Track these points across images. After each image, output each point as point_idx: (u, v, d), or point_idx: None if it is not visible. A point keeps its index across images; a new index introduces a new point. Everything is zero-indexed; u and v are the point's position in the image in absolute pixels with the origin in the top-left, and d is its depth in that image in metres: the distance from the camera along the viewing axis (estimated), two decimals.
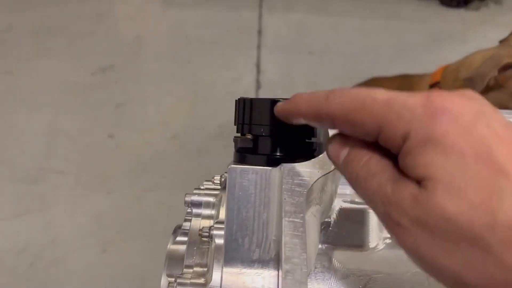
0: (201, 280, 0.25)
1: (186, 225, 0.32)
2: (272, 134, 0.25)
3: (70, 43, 1.77)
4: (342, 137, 0.24)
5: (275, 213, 0.24)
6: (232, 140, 0.31)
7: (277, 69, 1.76)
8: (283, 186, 0.23)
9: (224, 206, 0.28)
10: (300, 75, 1.76)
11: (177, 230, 0.32)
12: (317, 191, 0.24)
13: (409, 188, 0.21)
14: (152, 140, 1.52)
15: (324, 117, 0.23)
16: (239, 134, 0.28)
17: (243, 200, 0.24)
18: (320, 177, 0.24)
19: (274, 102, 0.25)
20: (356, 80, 1.41)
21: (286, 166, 0.24)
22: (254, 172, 0.24)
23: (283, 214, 0.22)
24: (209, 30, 1.85)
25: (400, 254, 0.31)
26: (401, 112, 0.22)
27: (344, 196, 0.31)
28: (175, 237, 0.31)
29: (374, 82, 1.31)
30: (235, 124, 0.29)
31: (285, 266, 0.20)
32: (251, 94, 1.67)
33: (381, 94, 0.22)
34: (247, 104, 0.26)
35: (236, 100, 0.29)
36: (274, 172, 0.24)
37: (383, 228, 0.31)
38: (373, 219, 0.30)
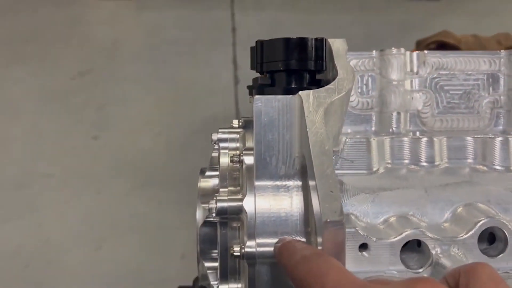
0: (238, 196, 0.30)
1: (213, 162, 0.36)
2: (286, 69, 0.30)
3: (46, 50, 1.77)
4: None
5: (296, 134, 0.29)
6: (246, 87, 0.35)
7: None
8: (306, 109, 0.28)
9: (248, 140, 0.32)
10: None
11: (204, 170, 0.36)
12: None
13: None
14: (137, 139, 1.54)
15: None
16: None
17: (269, 125, 0.29)
18: (335, 99, 0.28)
19: (287, 40, 0.30)
20: None
21: (303, 92, 0.29)
22: (276, 100, 0.29)
23: (308, 132, 0.27)
24: (184, 30, 1.88)
25: (397, 174, 0.36)
26: None
27: (347, 134, 0.36)
28: (204, 175, 0.35)
29: None
30: (251, 69, 0.33)
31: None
32: (230, 89, 1.72)
33: (331, 275, 0.23)
34: (265, 44, 0.31)
35: (252, 47, 0.33)
36: (294, 99, 0.29)
37: (383, 154, 0.36)
38: (374, 148, 0.35)
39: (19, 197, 1.37)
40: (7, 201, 1.36)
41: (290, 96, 0.29)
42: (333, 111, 0.29)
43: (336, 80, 0.30)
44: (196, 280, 0.48)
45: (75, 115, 1.58)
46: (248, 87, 0.37)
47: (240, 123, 0.35)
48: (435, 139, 0.36)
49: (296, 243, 0.26)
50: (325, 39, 0.32)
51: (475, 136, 0.36)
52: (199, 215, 0.33)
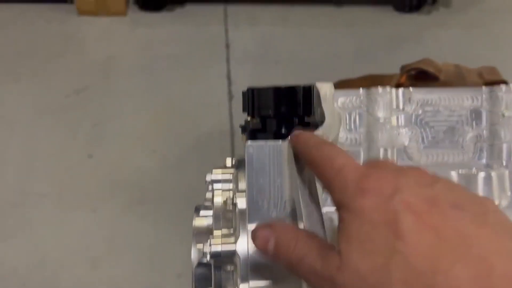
0: (231, 239, 0.31)
1: (207, 202, 0.37)
2: (276, 115, 0.31)
3: (40, 67, 1.78)
4: (266, 227, 0.27)
5: (286, 178, 0.30)
6: (239, 126, 0.36)
7: (247, 79, 1.83)
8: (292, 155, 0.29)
9: (241, 180, 0.33)
10: (270, 83, 1.83)
11: (198, 208, 0.37)
12: None
13: (334, 260, 0.25)
14: (132, 156, 1.55)
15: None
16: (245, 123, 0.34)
17: (260, 170, 0.30)
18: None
19: (277, 89, 0.31)
20: None
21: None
22: (267, 146, 0.30)
23: (296, 178, 0.28)
24: (178, 46, 1.90)
25: None
26: (342, 184, 0.27)
27: None
28: (198, 214, 0.37)
29: (341, 84, 1.40)
30: (243, 111, 0.35)
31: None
32: (225, 105, 1.73)
33: (339, 159, 0.28)
34: (255, 93, 0.32)
35: (243, 92, 0.35)
36: (284, 145, 0.30)
37: None
38: None
39: (13, 216, 1.37)
40: (1, 220, 1.36)
41: (280, 142, 0.31)
42: None
43: (323, 126, 0.31)
44: None
45: (69, 133, 1.59)
46: (241, 126, 0.38)
47: (233, 163, 0.37)
48: None
49: (310, 134, 0.30)
50: (313, 86, 0.33)
51: (460, 171, 0.37)
52: (194, 256, 0.34)
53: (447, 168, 0.39)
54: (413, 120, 0.40)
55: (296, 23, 2.06)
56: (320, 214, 0.27)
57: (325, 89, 0.34)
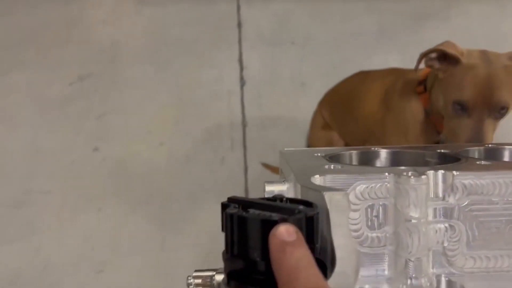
0: None
1: None
2: (266, 258, 0.22)
3: (44, 54, 1.70)
4: None
5: None
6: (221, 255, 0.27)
7: (260, 63, 1.72)
8: None
9: None
10: (284, 68, 1.71)
11: None
12: None
13: None
14: (139, 150, 1.48)
15: None
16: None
17: None
18: None
19: (264, 222, 0.22)
20: (341, 68, 1.38)
21: None
22: None
23: None
24: (187, 27, 1.78)
25: None
26: None
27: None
28: None
29: (361, 76, 1.28)
30: (222, 230, 0.25)
31: None
32: (236, 92, 1.63)
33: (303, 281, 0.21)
34: (235, 222, 0.23)
35: (222, 203, 0.25)
36: None
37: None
38: None
39: (17, 217, 1.32)
40: (5, 222, 1.32)
41: None
42: None
43: (334, 275, 0.22)
44: None
45: (74, 124, 1.51)
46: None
47: None
48: None
49: (286, 232, 0.22)
50: (317, 214, 0.23)
51: None
52: None
53: (502, 276, 0.29)
54: (455, 214, 0.30)
55: None
56: None
57: (336, 200, 0.24)
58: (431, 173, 0.30)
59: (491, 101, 0.85)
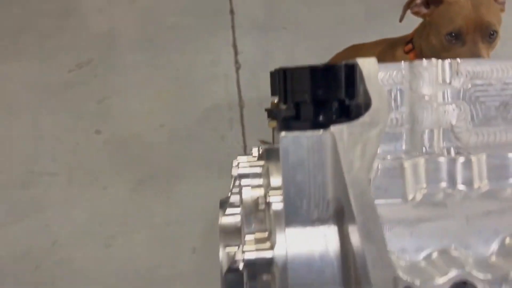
0: (266, 245, 0.27)
1: (234, 198, 0.33)
2: (314, 100, 0.27)
3: (41, 43, 1.72)
4: None
5: (329, 174, 0.26)
6: (265, 110, 0.32)
7: (254, 47, 1.76)
8: (340, 148, 0.25)
9: (273, 174, 0.29)
10: (278, 51, 1.76)
11: (224, 204, 0.34)
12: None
13: None
14: (140, 131, 1.51)
15: None
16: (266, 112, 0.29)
17: (298, 165, 0.26)
18: (371, 134, 0.25)
19: (313, 69, 0.26)
20: (333, 50, 1.43)
21: (335, 128, 0.26)
22: (305, 137, 0.26)
23: (345, 176, 0.24)
24: (181, 14, 1.82)
25: (435, 201, 0.33)
26: None
27: (379, 155, 0.33)
28: (224, 211, 0.33)
29: (354, 49, 1.34)
30: (272, 95, 0.30)
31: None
32: (232, 75, 1.67)
33: None
34: (288, 74, 0.27)
35: (271, 72, 0.30)
36: (325, 136, 0.26)
37: (418, 178, 0.33)
38: (408, 173, 0.32)
39: (25, 197, 1.35)
40: (13, 202, 1.34)
41: (321, 132, 0.26)
42: (368, 148, 0.26)
43: (370, 110, 0.27)
44: None
45: (75, 109, 1.54)
46: (267, 110, 0.33)
47: (260, 152, 0.32)
48: (473, 158, 0.33)
49: None
50: (356, 64, 0.28)
51: None
52: (223, 259, 0.30)
53: (500, 148, 0.34)
54: (461, 96, 0.35)
55: None
56: (377, 216, 0.23)
57: (367, 66, 0.29)
58: (439, 61, 0.35)
59: (481, 24, 0.91)
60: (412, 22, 1.12)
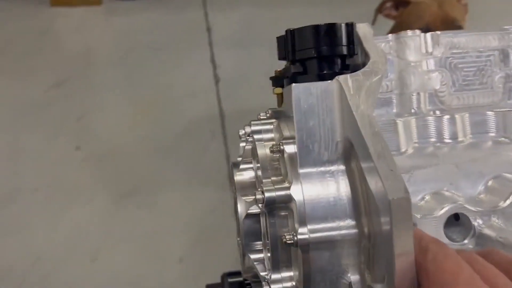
0: (284, 184, 0.30)
1: (246, 156, 0.36)
2: (318, 55, 0.30)
3: (17, 63, 1.72)
4: None
5: (337, 118, 0.29)
6: (269, 79, 0.35)
7: (232, 62, 1.81)
8: (347, 92, 0.28)
9: (284, 129, 0.32)
10: (255, 65, 1.81)
11: (236, 164, 0.36)
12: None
13: None
14: (121, 146, 1.52)
15: None
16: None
17: (309, 112, 0.29)
18: (373, 81, 0.29)
19: (317, 27, 0.30)
20: None
21: (341, 77, 0.29)
22: (314, 86, 0.29)
23: (354, 115, 0.27)
24: (157, 33, 1.86)
25: (426, 153, 0.37)
26: None
27: None
28: (238, 168, 0.35)
29: None
30: (279, 59, 0.34)
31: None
32: (212, 89, 1.71)
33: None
34: (296, 33, 0.31)
35: (278, 37, 0.33)
36: (332, 84, 0.29)
37: (410, 134, 0.37)
38: (400, 129, 0.36)
39: (7, 213, 1.33)
40: None
41: (328, 81, 0.30)
42: (370, 93, 0.29)
43: (370, 63, 0.30)
44: (224, 276, 0.48)
45: (54, 127, 1.54)
46: (271, 78, 0.37)
47: (268, 115, 0.36)
48: (456, 116, 0.37)
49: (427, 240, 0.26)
50: (355, 24, 0.32)
51: (495, 110, 0.37)
52: (241, 209, 0.33)
53: (479, 109, 0.38)
54: (442, 64, 0.39)
55: (276, 4, 2.04)
56: (384, 140, 0.26)
57: (363, 29, 0.33)
58: (422, 33, 0.39)
59: (447, 20, 0.98)
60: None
